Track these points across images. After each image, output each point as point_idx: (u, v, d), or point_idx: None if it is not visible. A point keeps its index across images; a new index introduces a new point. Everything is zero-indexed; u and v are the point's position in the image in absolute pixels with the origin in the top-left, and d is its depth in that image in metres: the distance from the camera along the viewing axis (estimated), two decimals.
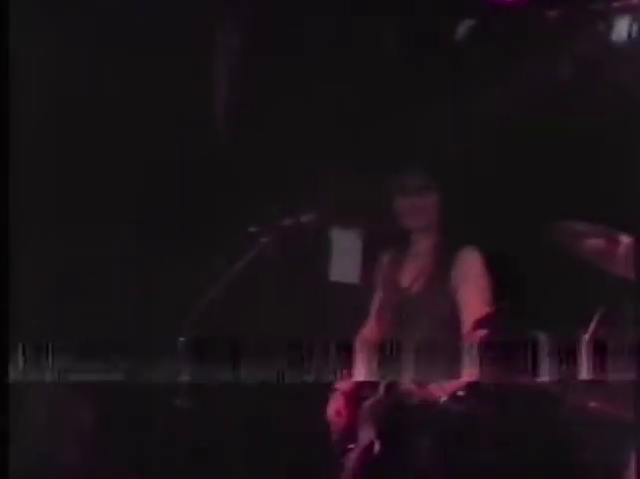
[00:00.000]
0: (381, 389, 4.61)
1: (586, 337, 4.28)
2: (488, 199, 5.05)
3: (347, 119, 5.48)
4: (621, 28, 4.90)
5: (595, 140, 4.90)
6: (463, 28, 5.28)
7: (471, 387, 4.36)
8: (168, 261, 5.46)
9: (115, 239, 5.53)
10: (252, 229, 4.66)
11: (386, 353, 4.50)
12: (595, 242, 4.37)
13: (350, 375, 4.68)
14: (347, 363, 4.58)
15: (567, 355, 4.25)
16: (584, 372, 4.25)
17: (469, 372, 4.34)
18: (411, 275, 4.85)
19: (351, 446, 4.70)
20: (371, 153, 5.32)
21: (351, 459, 4.65)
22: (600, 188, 4.86)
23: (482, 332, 4.38)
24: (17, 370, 4.40)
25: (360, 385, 4.73)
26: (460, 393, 4.36)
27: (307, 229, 4.77)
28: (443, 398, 4.36)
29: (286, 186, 5.35)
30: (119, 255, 5.53)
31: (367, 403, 4.68)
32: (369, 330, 4.97)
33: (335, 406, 4.84)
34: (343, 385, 4.81)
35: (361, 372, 4.66)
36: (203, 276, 4.71)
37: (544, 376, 4.27)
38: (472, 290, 4.68)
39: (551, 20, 4.95)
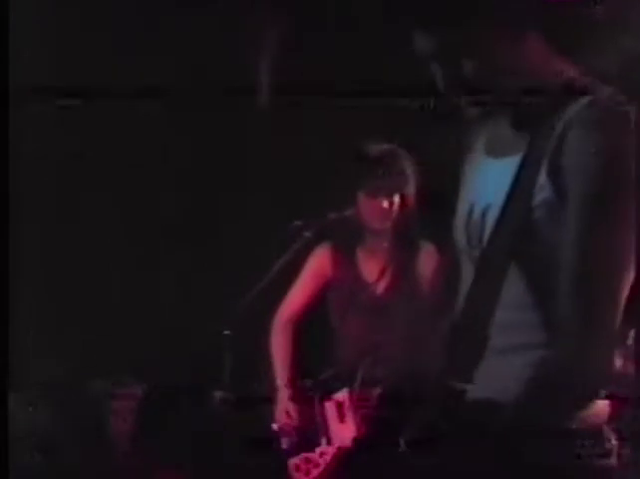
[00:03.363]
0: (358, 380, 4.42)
1: None
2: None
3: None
4: None
5: None
6: None
7: None
8: (211, 254, 5.47)
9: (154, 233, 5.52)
10: (297, 222, 4.67)
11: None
12: None
13: None
14: None
15: None
16: None
17: None
18: (372, 270, 4.70)
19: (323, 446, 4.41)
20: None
21: (322, 460, 4.37)
22: None
23: None
24: None
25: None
26: None
27: (350, 222, 4.72)
28: None
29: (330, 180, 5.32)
30: (158, 250, 5.54)
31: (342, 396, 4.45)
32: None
33: (282, 406, 4.59)
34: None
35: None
36: (247, 271, 4.70)
37: None
38: None
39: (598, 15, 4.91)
